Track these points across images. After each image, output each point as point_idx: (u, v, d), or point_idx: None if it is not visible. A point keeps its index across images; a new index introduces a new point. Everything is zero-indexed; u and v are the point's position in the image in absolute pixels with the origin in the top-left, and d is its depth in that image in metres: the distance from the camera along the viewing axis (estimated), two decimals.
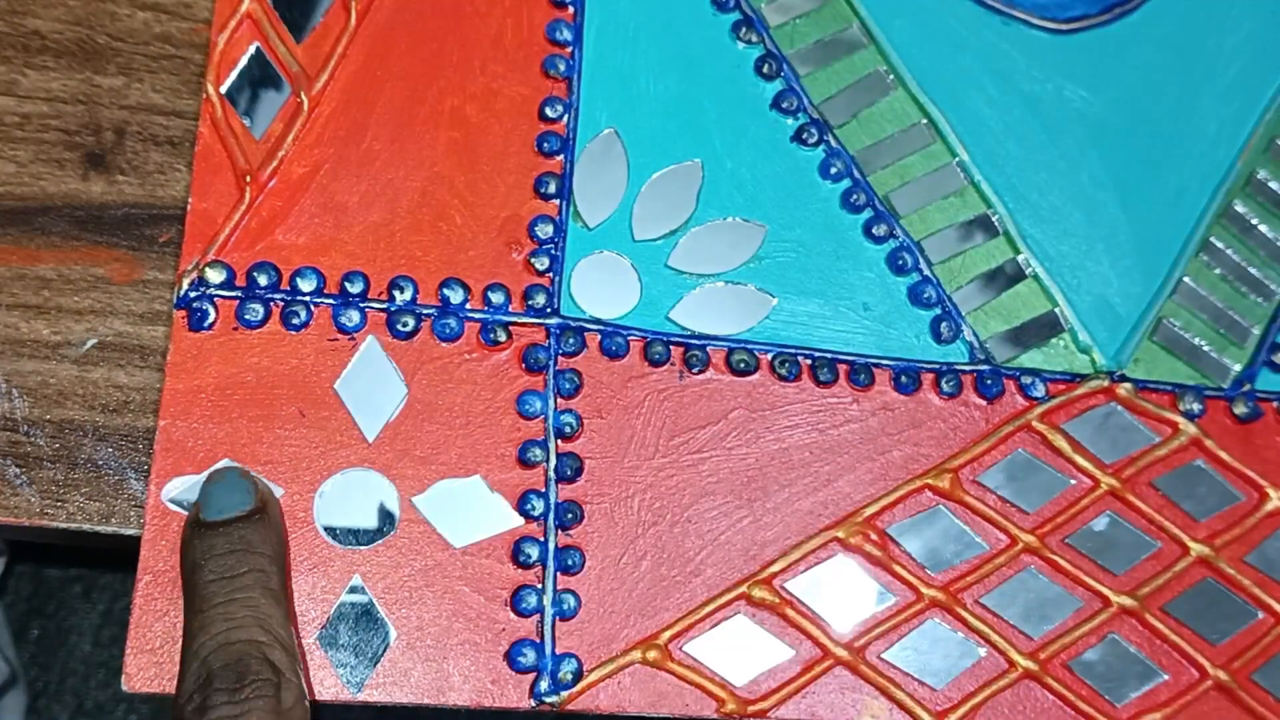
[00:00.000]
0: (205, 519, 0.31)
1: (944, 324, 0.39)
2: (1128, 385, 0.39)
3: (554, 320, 0.37)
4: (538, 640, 0.34)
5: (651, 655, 0.34)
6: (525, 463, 0.35)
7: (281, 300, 0.36)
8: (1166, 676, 0.37)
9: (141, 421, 0.35)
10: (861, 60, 0.41)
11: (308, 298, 0.36)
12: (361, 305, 0.36)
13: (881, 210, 0.39)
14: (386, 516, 0.35)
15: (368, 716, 0.50)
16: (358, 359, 0.36)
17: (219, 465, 0.34)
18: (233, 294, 0.35)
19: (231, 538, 0.31)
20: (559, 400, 0.36)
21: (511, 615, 0.34)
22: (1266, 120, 0.42)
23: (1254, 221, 0.41)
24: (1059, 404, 0.38)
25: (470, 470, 0.35)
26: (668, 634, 0.35)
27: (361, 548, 0.34)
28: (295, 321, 0.35)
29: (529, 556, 0.35)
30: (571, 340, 0.37)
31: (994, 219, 0.40)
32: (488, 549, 0.35)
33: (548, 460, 0.35)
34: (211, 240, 0.36)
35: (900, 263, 0.39)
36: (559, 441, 0.36)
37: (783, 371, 0.37)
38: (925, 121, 0.40)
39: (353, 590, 0.34)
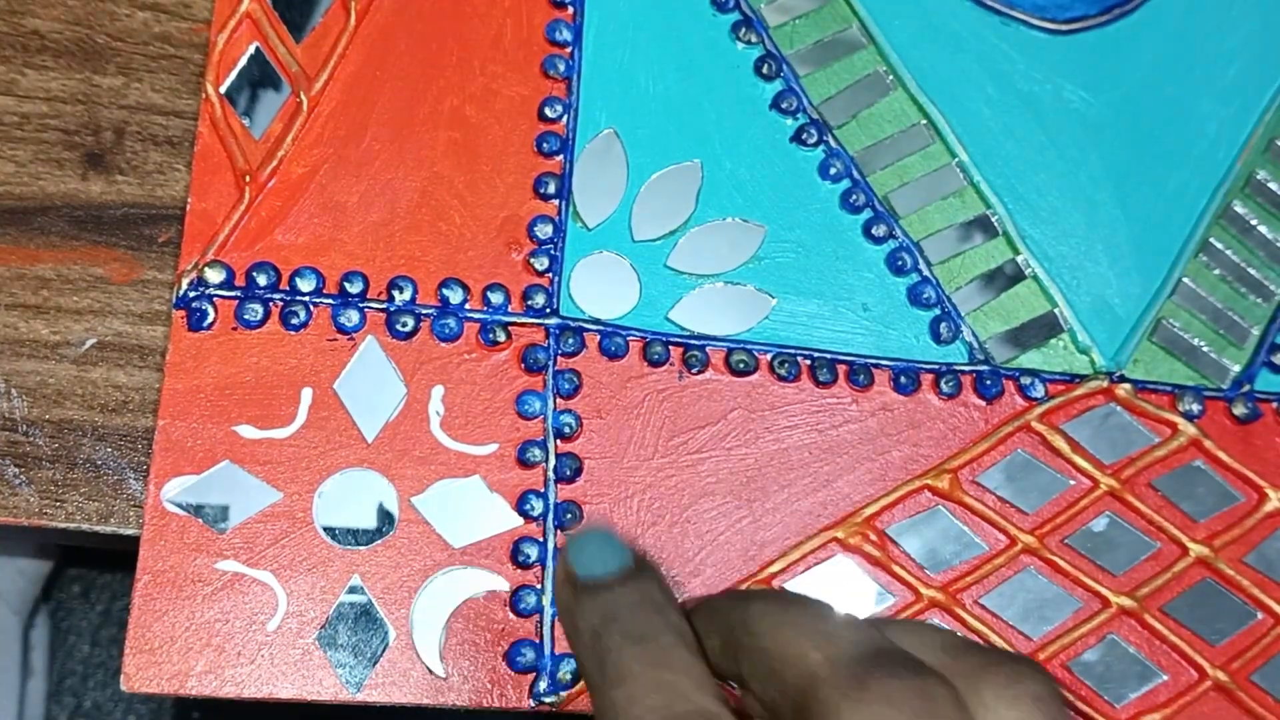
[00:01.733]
0: (590, 578, 0.27)
1: (943, 324, 0.39)
2: (1127, 386, 0.39)
3: (553, 320, 0.37)
4: (537, 640, 0.34)
5: None
6: (524, 463, 0.35)
7: (281, 300, 0.36)
8: (1166, 677, 0.37)
9: (140, 421, 0.35)
10: (861, 61, 0.41)
11: (307, 298, 0.36)
12: (361, 305, 0.36)
13: (881, 211, 0.39)
14: (386, 517, 0.35)
15: (367, 717, 0.50)
16: (357, 359, 0.36)
17: (578, 529, 0.30)
18: (232, 294, 0.35)
19: (632, 592, 0.26)
20: (558, 400, 0.36)
21: (511, 615, 0.34)
22: (1266, 121, 0.42)
23: (1253, 222, 0.41)
24: (1058, 404, 0.38)
25: (469, 470, 0.35)
26: None
27: (361, 548, 0.34)
28: (294, 322, 0.35)
29: (528, 557, 0.35)
30: (571, 340, 0.37)
31: (993, 219, 0.40)
32: (487, 549, 0.35)
33: (547, 460, 0.35)
34: (211, 240, 0.36)
35: (900, 263, 0.39)
36: (558, 442, 0.36)
37: (782, 372, 0.37)
38: (924, 122, 0.40)
39: (352, 590, 0.34)
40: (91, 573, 0.70)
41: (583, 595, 0.27)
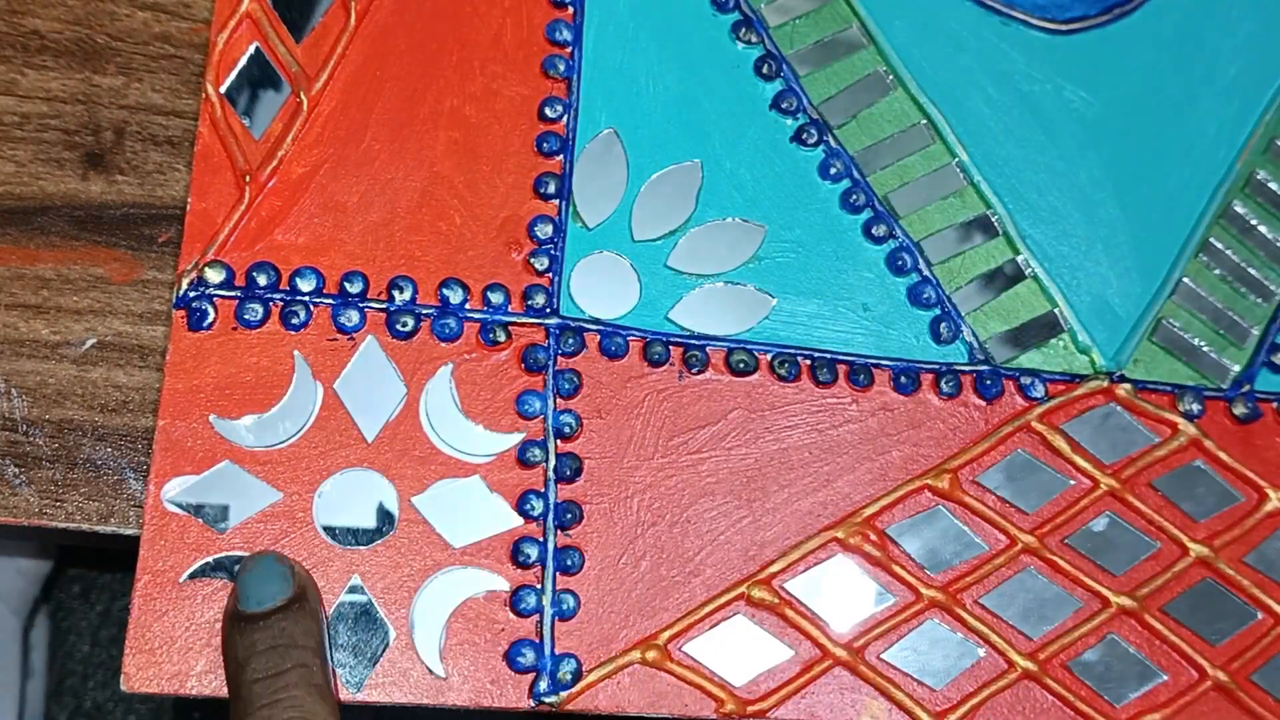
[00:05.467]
0: (244, 611, 0.31)
1: (943, 324, 0.39)
2: (1127, 386, 0.39)
3: (553, 320, 0.37)
4: (537, 640, 0.34)
5: (651, 655, 0.34)
6: (525, 463, 0.35)
7: (281, 300, 0.36)
8: (1166, 677, 0.37)
9: (140, 421, 0.35)
10: (861, 61, 0.41)
11: (307, 298, 0.36)
12: (361, 305, 0.36)
13: (881, 211, 0.39)
14: (386, 516, 0.35)
15: (367, 716, 0.50)
16: (357, 359, 0.36)
17: (253, 554, 0.33)
18: (232, 294, 0.35)
19: (272, 631, 0.30)
20: (558, 400, 0.36)
21: (511, 615, 0.34)
22: (1266, 121, 0.42)
23: (1253, 222, 0.41)
24: (1058, 404, 0.38)
25: (469, 470, 0.35)
26: (667, 634, 0.35)
27: (361, 548, 0.34)
28: (294, 321, 0.35)
29: (528, 556, 0.35)
30: (571, 340, 0.37)
31: (993, 219, 0.40)
32: (487, 549, 0.35)
33: (547, 460, 0.35)
34: (211, 240, 0.36)
35: (900, 263, 0.39)
36: (558, 441, 0.36)
37: (782, 372, 0.37)
38: (925, 122, 0.40)
39: (352, 590, 0.34)
40: (91, 573, 0.70)
41: (233, 631, 0.31)
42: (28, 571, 0.62)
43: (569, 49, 0.39)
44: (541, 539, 0.35)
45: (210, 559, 0.33)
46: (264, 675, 0.30)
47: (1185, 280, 0.40)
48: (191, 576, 0.33)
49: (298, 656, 0.30)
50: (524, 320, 0.37)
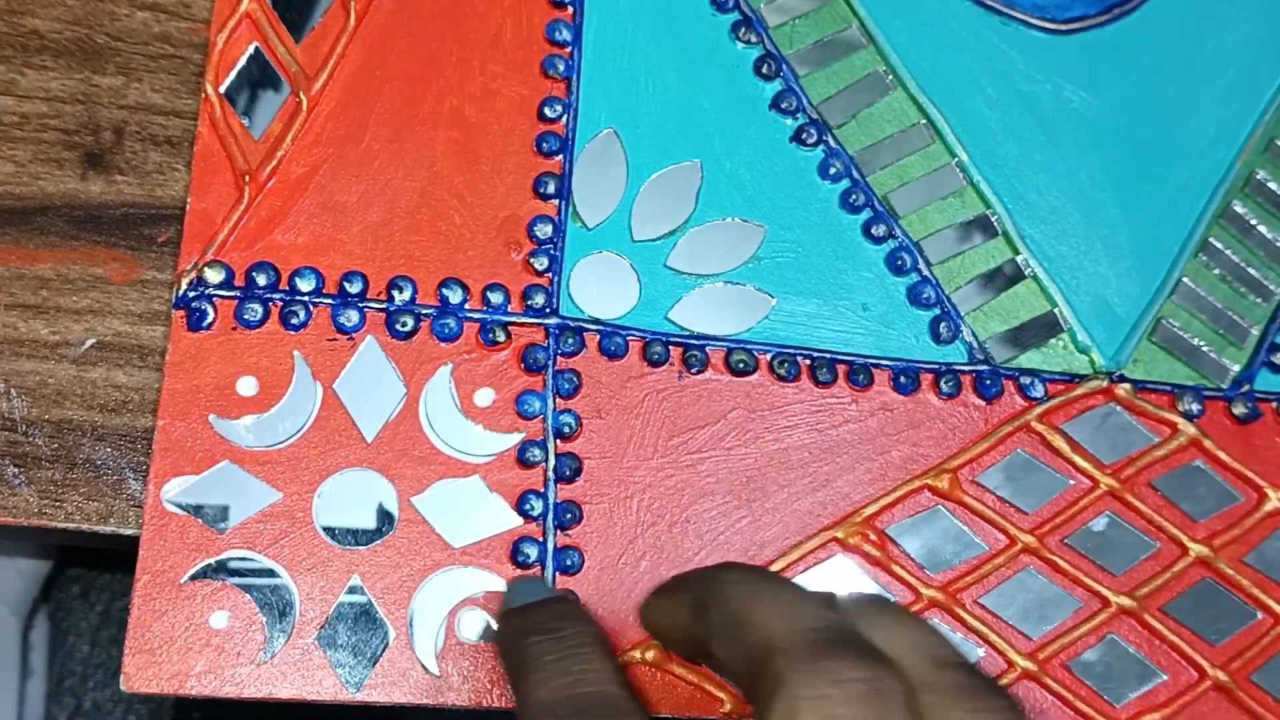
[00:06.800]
0: (514, 605, 0.31)
1: (943, 324, 0.39)
2: (1127, 386, 0.39)
3: (553, 320, 0.37)
4: None
5: (651, 655, 0.34)
6: (524, 463, 0.35)
7: (280, 300, 0.36)
8: (1165, 677, 0.37)
9: (140, 421, 0.35)
10: (860, 61, 0.41)
11: (306, 298, 0.36)
12: (360, 305, 0.36)
13: (880, 210, 0.39)
14: (385, 516, 0.35)
15: (367, 717, 0.50)
16: (356, 359, 0.36)
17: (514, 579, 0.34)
18: (231, 294, 0.35)
19: (549, 609, 0.30)
20: (558, 400, 0.36)
21: None
22: (1265, 121, 0.42)
23: (1253, 222, 0.41)
24: (1058, 404, 0.38)
25: (469, 470, 0.35)
26: None
27: (360, 548, 0.34)
28: (294, 321, 0.35)
29: (528, 556, 0.35)
30: (570, 340, 0.37)
31: (993, 219, 0.40)
32: (487, 549, 0.35)
33: (547, 460, 0.35)
34: (210, 240, 0.36)
35: (899, 263, 0.39)
36: (558, 441, 0.36)
37: (782, 372, 0.37)
38: (924, 122, 0.40)
39: (351, 590, 0.34)
40: (91, 573, 0.70)
41: (509, 616, 0.30)
42: (27, 572, 0.62)
43: (568, 49, 0.39)
44: (541, 539, 0.35)
45: (212, 560, 0.33)
46: (548, 636, 0.28)
47: (1185, 280, 0.40)
48: (192, 578, 0.33)
49: (579, 625, 0.29)
50: (523, 320, 0.37)
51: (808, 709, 0.23)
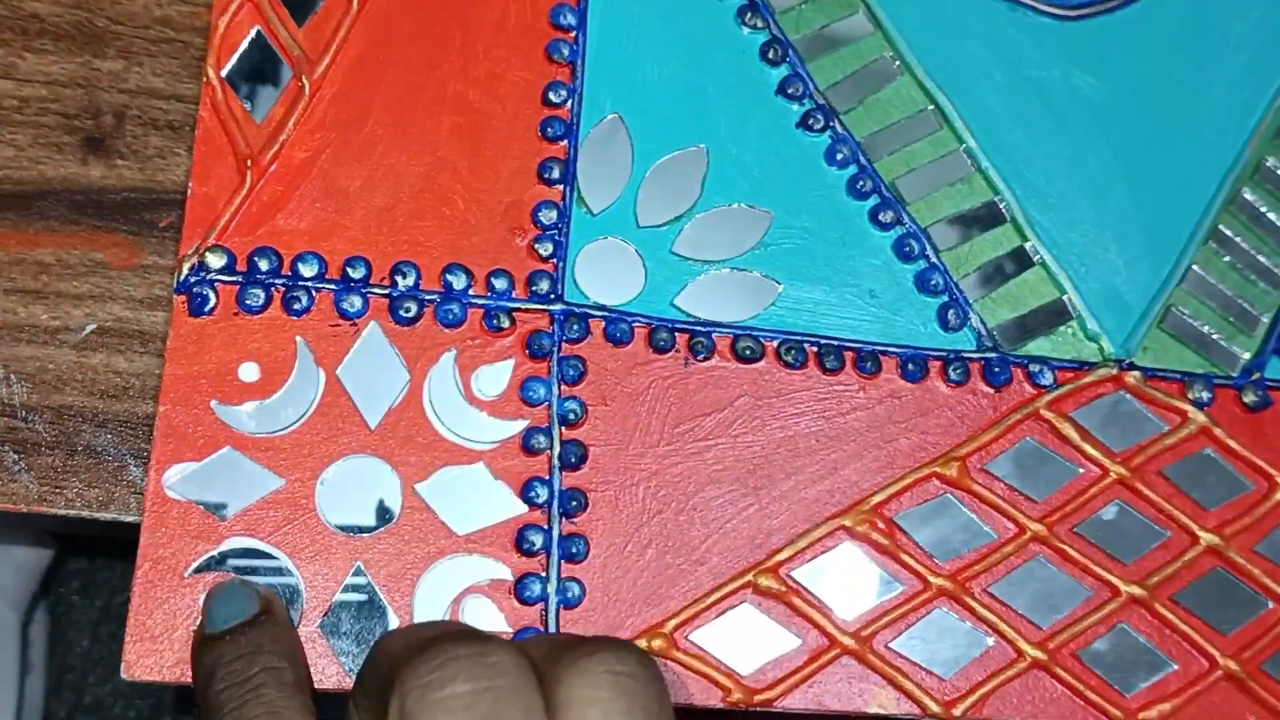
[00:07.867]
0: (210, 632, 0.30)
1: (951, 311, 0.38)
2: (1136, 373, 0.38)
3: (558, 306, 0.36)
4: (542, 629, 0.34)
5: (657, 644, 0.34)
6: (529, 450, 0.35)
7: (283, 285, 0.35)
8: (1176, 666, 0.36)
9: (141, 407, 0.35)
10: (868, 46, 0.40)
11: (309, 283, 0.35)
12: (364, 291, 0.36)
13: (888, 197, 0.39)
14: (388, 504, 0.34)
15: None
16: (360, 345, 0.35)
17: (216, 581, 0.33)
18: (233, 279, 0.35)
19: (239, 643, 0.30)
20: (563, 387, 0.36)
21: (515, 604, 0.34)
22: (1276, 107, 0.42)
23: (1263, 209, 0.41)
24: (1067, 392, 0.38)
25: (473, 457, 0.35)
26: (673, 623, 0.34)
27: (363, 535, 0.34)
28: (296, 307, 0.35)
29: (533, 544, 0.34)
30: (575, 327, 0.36)
31: (1001, 206, 0.40)
32: (491, 536, 0.34)
33: (552, 447, 0.35)
34: (212, 225, 0.35)
35: (907, 249, 0.39)
36: (563, 428, 0.35)
37: (789, 359, 0.37)
38: (932, 108, 0.40)
39: (355, 578, 0.33)
40: (91, 567, 0.70)
41: (199, 649, 0.30)
42: (26, 566, 0.61)
43: (573, 34, 0.39)
44: (546, 526, 0.35)
45: (215, 551, 0.33)
46: (231, 682, 0.29)
47: (1195, 267, 0.40)
48: (196, 571, 0.33)
49: (266, 661, 0.29)
50: (528, 306, 0.36)
51: (414, 699, 0.24)
